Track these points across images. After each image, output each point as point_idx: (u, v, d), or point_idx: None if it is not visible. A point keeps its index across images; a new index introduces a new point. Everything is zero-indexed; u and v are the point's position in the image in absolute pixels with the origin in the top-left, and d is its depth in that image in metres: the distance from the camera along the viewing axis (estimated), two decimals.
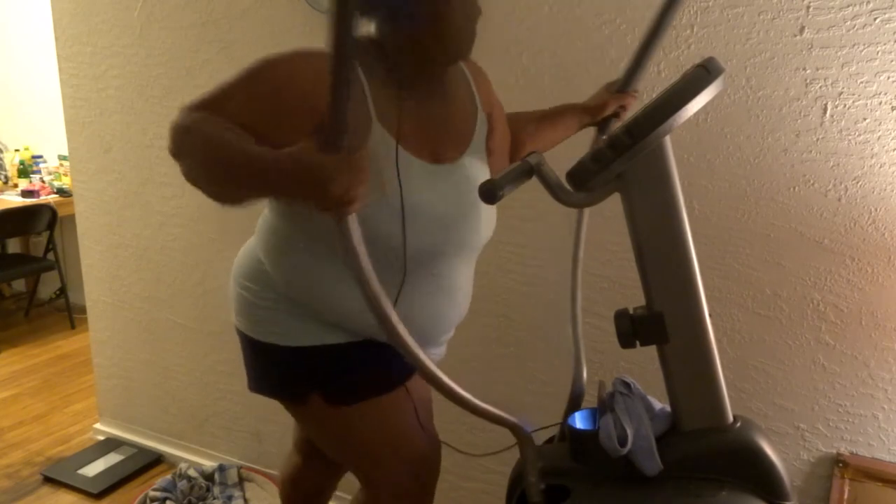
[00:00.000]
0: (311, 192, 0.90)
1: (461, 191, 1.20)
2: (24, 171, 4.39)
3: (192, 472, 2.41)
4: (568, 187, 1.07)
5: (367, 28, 1.17)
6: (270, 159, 0.94)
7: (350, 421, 1.29)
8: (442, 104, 1.23)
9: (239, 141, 0.99)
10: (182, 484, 2.36)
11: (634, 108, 1.44)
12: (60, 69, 2.57)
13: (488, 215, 1.27)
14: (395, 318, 0.97)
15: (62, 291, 4.19)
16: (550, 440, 1.29)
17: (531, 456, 1.13)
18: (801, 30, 1.50)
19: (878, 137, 1.48)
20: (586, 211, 1.45)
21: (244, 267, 1.33)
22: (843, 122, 1.50)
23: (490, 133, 1.32)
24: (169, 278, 2.53)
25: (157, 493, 2.33)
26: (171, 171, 2.42)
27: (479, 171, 1.26)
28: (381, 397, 1.28)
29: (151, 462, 2.66)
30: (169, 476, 2.41)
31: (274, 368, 1.32)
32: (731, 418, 1.10)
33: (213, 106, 1.07)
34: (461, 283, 1.30)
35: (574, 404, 1.31)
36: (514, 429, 1.14)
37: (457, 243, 1.23)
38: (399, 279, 1.18)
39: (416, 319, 1.21)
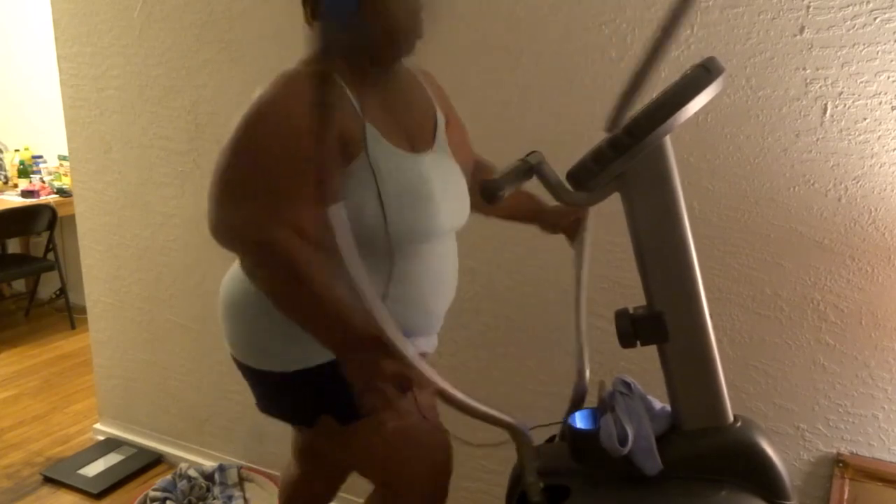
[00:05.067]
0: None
1: (438, 176, 1.26)
2: (24, 171, 4.39)
3: (192, 472, 2.41)
4: (568, 187, 1.07)
5: (319, 43, 1.22)
6: (344, 332, 1.12)
7: (365, 436, 1.29)
8: (404, 101, 1.29)
9: (330, 295, 1.11)
10: (182, 484, 2.36)
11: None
12: (60, 69, 2.56)
13: (464, 199, 1.34)
14: (386, 315, 1.05)
15: (62, 291, 4.19)
16: (551, 439, 1.29)
17: (529, 456, 1.13)
18: (801, 30, 1.50)
19: (878, 137, 1.48)
20: (592, 214, 1.45)
21: (234, 292, 1.31)
22: (843, 122, 1.50)
23: (450, 134, 1.37)
24: (169, 278, 2.53)
25: (157, 493, 2.33)
26: (171, 171, 2.43)
27: (448, 161, 1.33)
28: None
29: (151, 462, 2.66)
30: (169, 476, 2.41)
31: (277, 394, 1.33)
32: (731, 418, 1.10)
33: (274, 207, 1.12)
34: (449, 260, 1.34)
35: (576, 405, 1.31)
36: (512, 429, 1.14)
37: (438, 225, 1.26)
38: (388, 266, 1.22)
39: (411, 302, 1.26)
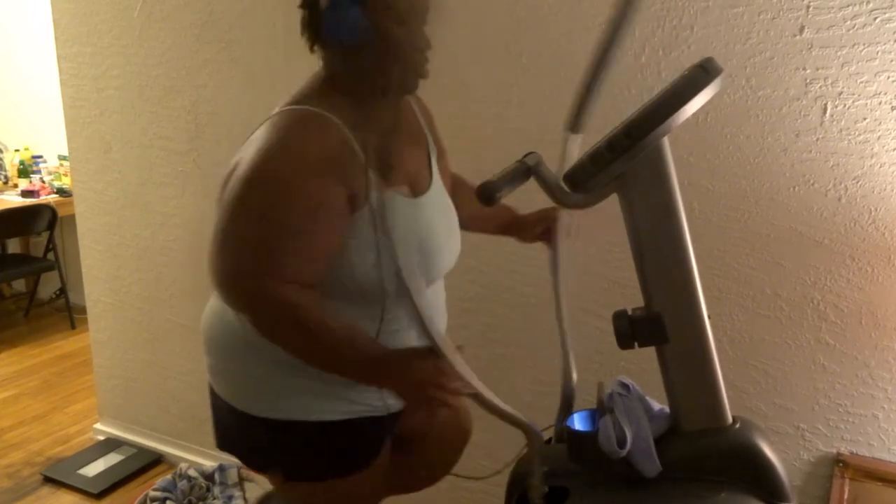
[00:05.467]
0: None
1: (438, 219, 1.24)
2: (24, 171, 4.39)
3: (192, 472, 2.41)
4: (566, 188, 1.06)
5: (322, 71, 1.19)
6: (378, 363, 1.13)
7: (301, 496, 1.32)
8: (401, 136, 1.25)
9: (350, 339, 1.13)
10: (182, 484, 2.36)
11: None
12: (60, 69, 2.56)
13: (458, 236, 1.31)
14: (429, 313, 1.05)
15: (62, 291, 4.19)
16: (548, 442, 1.29)
17: (539, 459, 1.13)
18: (801, 30, 1.50)
19: (878, 137, 1.48)
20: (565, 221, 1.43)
21: (213, 328, 1.33)
22: (843, 122, 1.50)
23: (440, 164, 1.34)
24: (169, 278, 2.53)
25: (157, 493, 2.33)
26: (171, 171, 2.42)
27: (444, 199, 1.30)
28: (339, 479, 1.28)
29: (151, 462, 2.66)
30: (169, 476, 2.41)
31: (237, 433, 1.33)
32: (730, 419, 1.10)
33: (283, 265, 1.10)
34: (439, 304, 1.33)
35: (566, 408, 1.32)
36: (528, 431, 1.15)
37: (438, 269, 1.25)
38: (380, 312, 1.20)
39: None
